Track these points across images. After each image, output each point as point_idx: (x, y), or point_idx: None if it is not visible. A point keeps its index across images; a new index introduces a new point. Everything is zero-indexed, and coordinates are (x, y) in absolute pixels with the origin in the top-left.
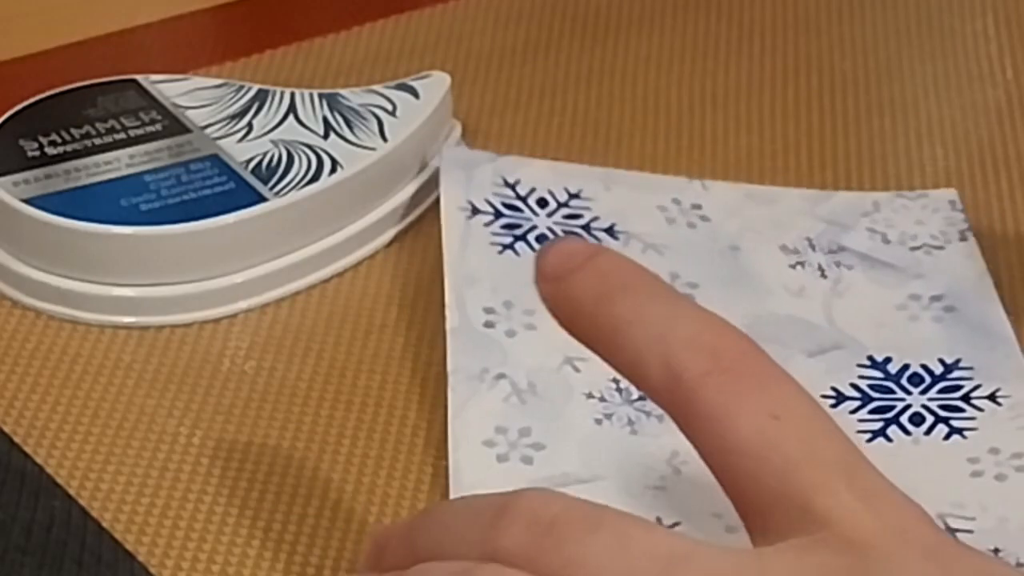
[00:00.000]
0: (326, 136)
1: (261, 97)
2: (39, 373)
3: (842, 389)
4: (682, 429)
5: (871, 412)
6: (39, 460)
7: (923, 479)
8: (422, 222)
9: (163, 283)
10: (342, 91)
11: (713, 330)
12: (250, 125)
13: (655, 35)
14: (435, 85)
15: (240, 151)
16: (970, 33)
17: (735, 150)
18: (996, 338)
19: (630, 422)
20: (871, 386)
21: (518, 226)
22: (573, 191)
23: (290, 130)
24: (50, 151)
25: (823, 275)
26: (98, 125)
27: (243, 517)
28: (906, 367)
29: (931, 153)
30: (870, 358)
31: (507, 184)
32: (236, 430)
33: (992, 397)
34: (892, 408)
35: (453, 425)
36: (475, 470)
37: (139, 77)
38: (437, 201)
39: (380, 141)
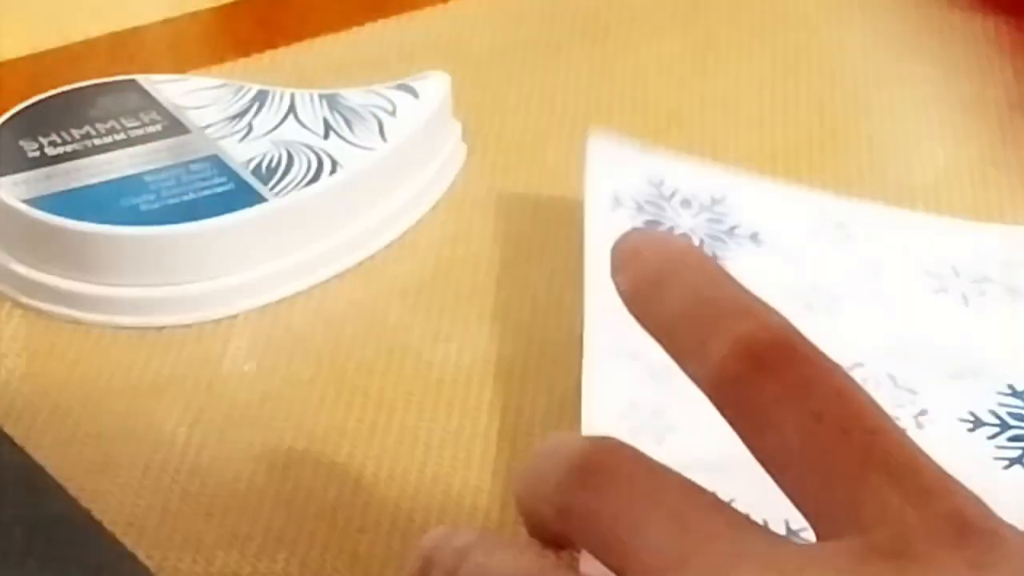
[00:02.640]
0: (326, 136)
1: (261, 97)
2: (39, 373)
3: (980, 414)
4: (731, 427)
5: (1009, 439)
6: (39, 460)
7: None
8: (422, 222)
9: (163, 283)
10: (342, 91)
11: (757, 323)
12: (250, 125)
13: (655, 35)
14: (435, 85)
15: (240, 151)
16: (970, 33)
17: (735, 151)
18: None
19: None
20: (1011, 414)
21: (660, 224)
22: (718, 197)
23: (290, 130)
24: (50, 151)
25: (966, 303)
26: (98, 125)
27: (243, 517)
28: None
29: (931, 153)
30: (1011, 387)
31: (651, 183)
32: (236, 430)
33: None
34: None
35: (587, 395)
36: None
37: (139, 77)
38: (437, 200)
39: (380, 141)
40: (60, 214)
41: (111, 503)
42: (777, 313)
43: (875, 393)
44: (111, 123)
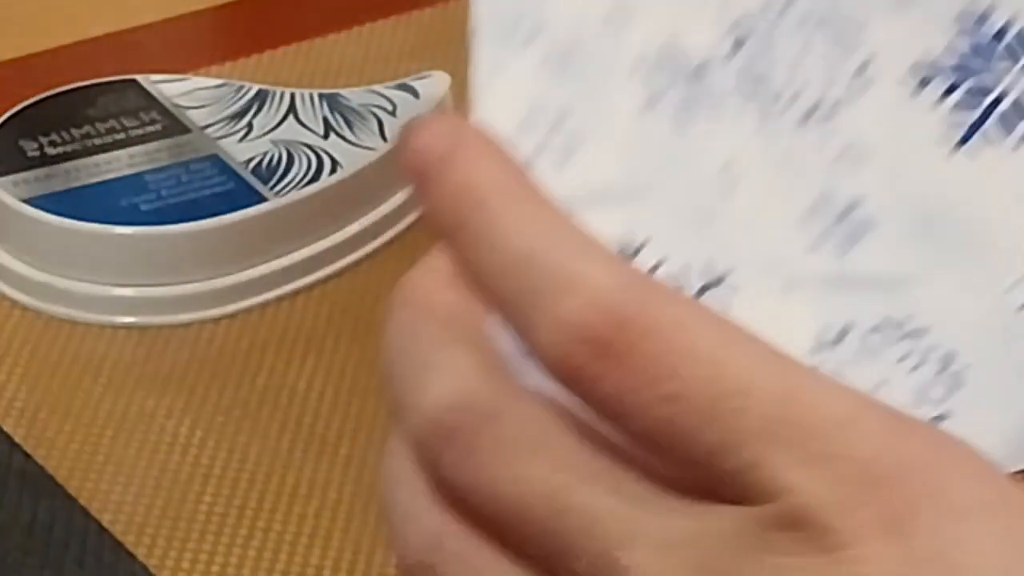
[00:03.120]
0: (326, 136)
1: (261, 97)
2: (39, 373)
3: (934, 58)
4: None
5: (959, 100)
6: (39, 460)
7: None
8: (422, 222)
9: (163, 283)
10: (342, 91)
11: (584, 298)
12: (250, 125)
13: None
14: (435, 85)
15: (240, 151)
16: None
17: None
18: None
19: (683, 106)
20: (963, 55)
21: None
22: None
23: (290, 130)
24: (50, 151)
25: None
26: (98, 125)
27: (243, 517)
28: (1003, 31)
29: None
30: (964, 16)
31: None
32: (236, 430)
33: None
34: (984, 92)
35: (481, 99)
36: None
37: (139, 77)
38: None
39: (380, 141)
40: (60, 214)
41: (111, 503)
42: (607, 271)
43: (816, 34)
44: (111, 123)
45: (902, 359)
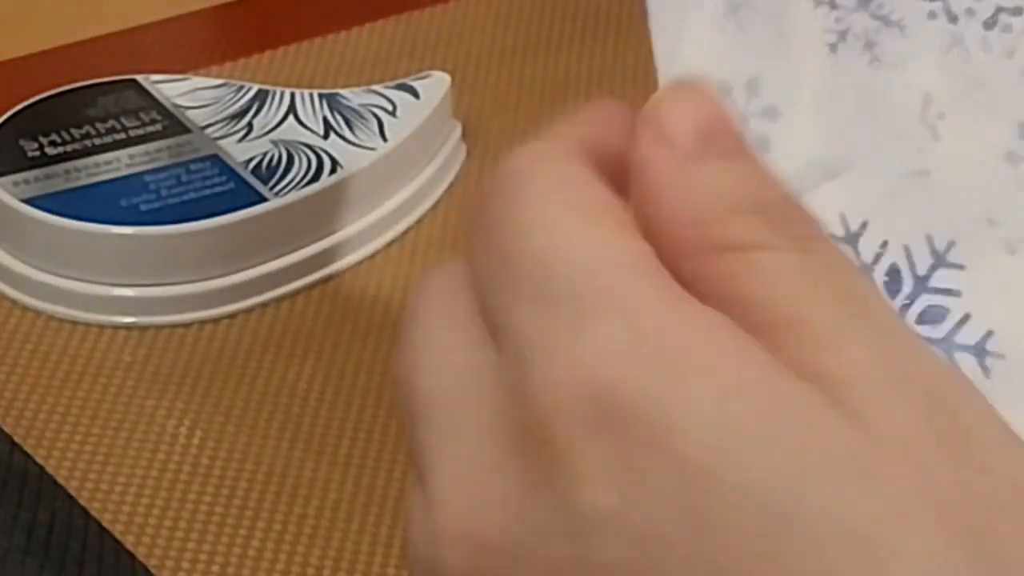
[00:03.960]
0: (326, 136)
1: (261, 97)
2: (39, 373)
3: None
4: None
5: None
6: (39, 460)
7: None
8: (422, 222)
9: (163, 283)
10: (342, 91)
11: (584, 372)
12: (250, 125)
13: None
14: (435, 85)
15: (240, 151)
16: None
17: None
18: None
19: (868, 43)
20: None
21: None
22: None
23: (290, 130)
24: (50, 151)
25: None
26: (98, 125)
27: (243, 517)
28: None
29: None
30: None
31: None
32: (236, 430)
33: None
34: None
35: (666, 83)
36: None
37: (139, 77)
38: (437, 200)
39: (380, 141)
40: (60, 214)
41: (111, 502)
42: (607, 335)
43: None
44: (111, 123)
45: None
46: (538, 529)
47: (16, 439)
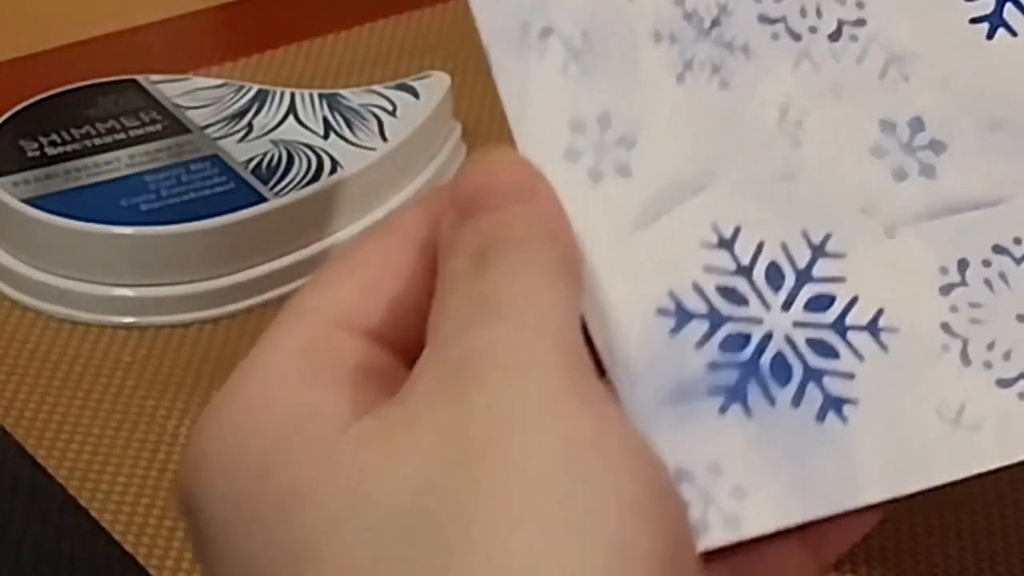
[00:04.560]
0: (326, 136)
1: (261, 97)
2: (39, 373)
3: None
4: None
5: None
6: (39, 460)
7: None
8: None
9: (163, 283)
10: (342, 91)
11: None
12: (250, 125)
13: None
14: (435, 85)
15: (240, 151)
16: None
17: None
18: None
19: (714, 68)
20: None
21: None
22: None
23: (290, 130)
24: (50, 151)
25: None
26: (98, 125)
27: None
28: None
29: None
30: None
31: None
32: None
33: None
34: None
35: (518, 128)
36: (571, 200)
37: (139, 77)
38: None
39: (380, 141)
40: (60, 214)
41: (111, 503)
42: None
43: None
44: (111, 123)
45: None
46: None
47: (16, 439)
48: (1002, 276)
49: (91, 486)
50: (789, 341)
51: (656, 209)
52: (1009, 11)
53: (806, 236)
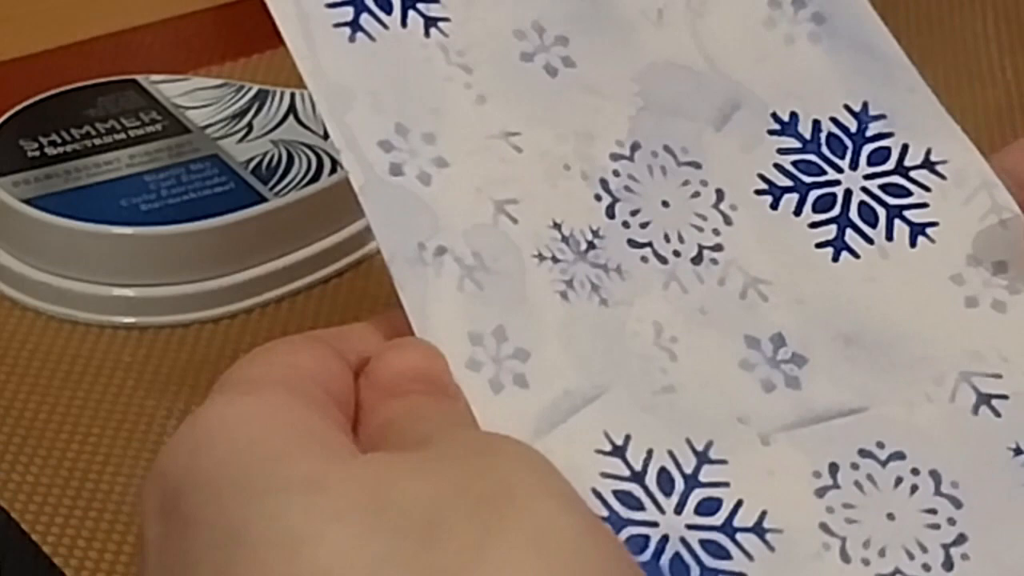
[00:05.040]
0: (326, 136)
1: (261, 97)
2: (39, 373)
3: (770, 176)
4: None
5: (816, 211)
6: (38, 460)
7: (922, 319)
8: None
9: (163, 283)
10: None
11: None
12: (250, 125)
13: None
14: None
15: (240, 151)
16: (969, 35)
17: None
18: (886, 60)
19: (594, 287)
20: (796, 164)
21: None
22: None
23: (290, 130)
24: (50, 151)
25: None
26: (98, 125)
27: None
28: (818, 126)
29: None
30: (775, 117)
31: None
32: None
33: (930, 165)
34: (833, 198)
35: (423, 339)
36: (476, 406)
37: (139, 77)
38: None
39: None
40: (60, 214)
41: (111, 503)
42: None
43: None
44: (111, 123)
45: (897, 485)
46: None
47: (16, 439)
48: (870, 478)
49: (91, 486)
50: (684, 543)
51: (552, 418)
52: (850, 236)
53: (690, 444)
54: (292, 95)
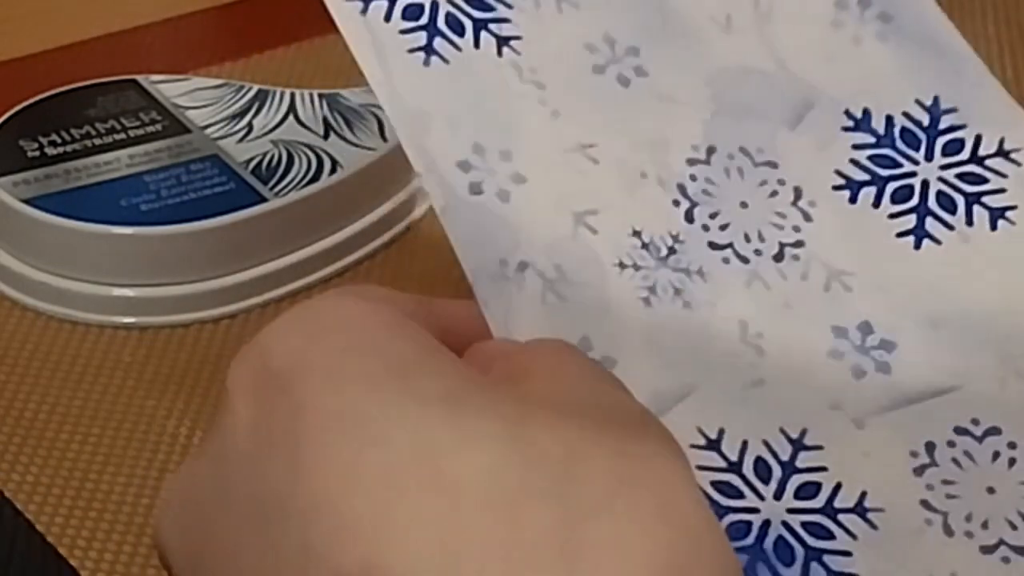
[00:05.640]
0: (326, 136)
1: (261, 97)
2: (39, 373)
3: (847, 172)
4: None
5: (894, 202)
6: (38, 460)
7: (1008, 297)
8: (422, 222)
9: (163, 283)
10: (342, 91)
11: None
12: (250, 125)
13: None
14: None
15: (240, 151)
16: (969, 34)
17: None
18: (953, 55)
19: (676, 291)
20: (872, 159)
21: (418, 8)
22: None
23: (290, 130)
24: (50, 151)
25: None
26: (98, 125)
27: None
28: (891, 121)
29: None
30: (848, 114)
31: None
32: None
33: (1004, 153)
34: (911, 189)
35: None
36: None
37: (139, 77)
38: None
39: (380, 141)
40: (60, 214)
41: (111, 503)
42: None
43: (731, 168)
44: (111, 123)
45: (994, 459)
46: (205, 473)
47: (16, 439)
48: (967, 454)
49: (91, 486)
50: (787, 526)
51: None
52: (931, 224)
53: (785, 433)
54: (292, 95)
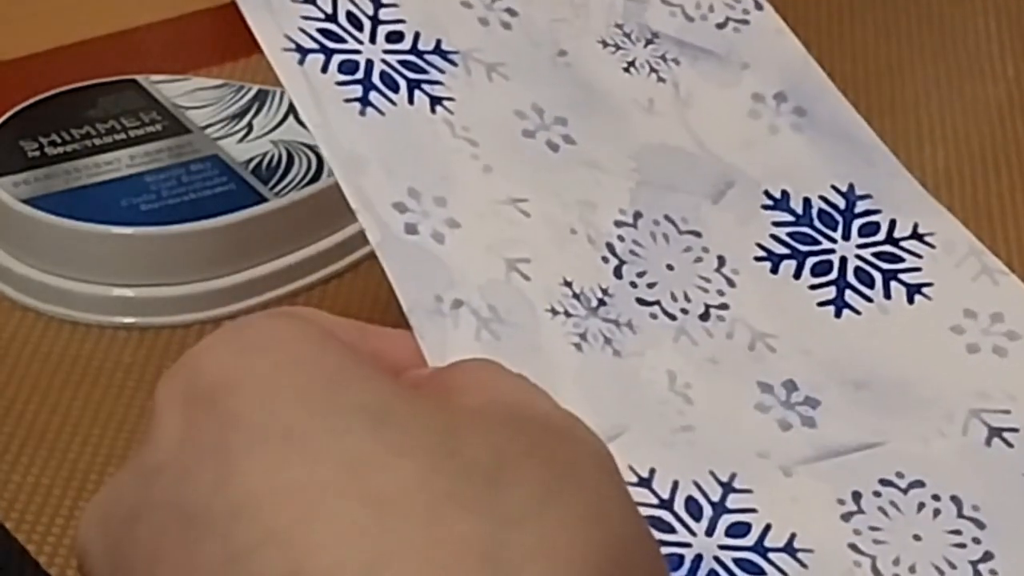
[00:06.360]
0: None
1: (261, 97)
2: (39, 373)
3: (768, 245)
4: None
5: (815, 275)
6: (39, 460)
7: (928, 366)
8: None
9: (163, 283)
10: None
11: None
12: (250, 125)
13: None
14: None
15: (240, 151)
16: (971, 32)
17: None
18: (865, 149)
19: (606, 340)
20: (791, 235)
21: (354, 64)
22: None
23: (290, 130)
24: (50, 151)
25: (659, 78)
26: (98, 125)
27: None
28: (808, 203)
29: (931, 153)
30: (768, 194)
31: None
32: None
33: (919, 236)
34: (830, 264)
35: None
36: None
37: (139, 77)
38: None
39: None
40: (60, 214)
41: None
42: None
43: (656, 233)
44: (111, 123)
45: (920, 510)
46: (130, 483)
47: (16, 439)
48: (893, 504)
49: (92, 487)
50: (719, 561)
51: None
52: (850, 296)
53: (714, 475)
54: None
